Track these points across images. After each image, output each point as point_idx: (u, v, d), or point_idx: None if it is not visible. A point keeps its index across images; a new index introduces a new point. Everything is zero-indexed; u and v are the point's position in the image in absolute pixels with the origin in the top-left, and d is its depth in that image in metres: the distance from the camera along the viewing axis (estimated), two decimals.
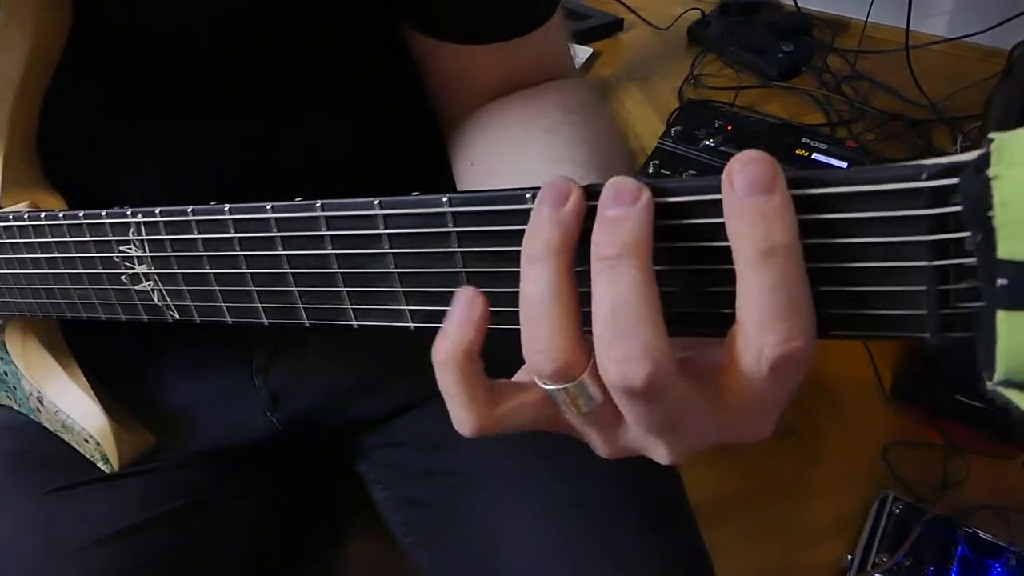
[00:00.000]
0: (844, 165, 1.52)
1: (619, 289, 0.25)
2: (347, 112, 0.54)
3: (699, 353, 0.29)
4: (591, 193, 0.27)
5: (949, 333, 0.23)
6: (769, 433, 0.29)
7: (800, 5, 1.91)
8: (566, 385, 0.27)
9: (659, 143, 1.62)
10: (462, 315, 0.28)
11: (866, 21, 1.76)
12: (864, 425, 1.20)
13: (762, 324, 0.24)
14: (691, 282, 0.27)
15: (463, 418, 0.29)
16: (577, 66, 1.87)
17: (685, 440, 0.29)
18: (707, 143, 1.58)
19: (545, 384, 0.28)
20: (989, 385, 0.21)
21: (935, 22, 1.77)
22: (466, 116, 0.51)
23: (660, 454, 0.29)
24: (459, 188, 0.49)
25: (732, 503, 1.12)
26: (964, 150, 0.21)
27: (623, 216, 0.25)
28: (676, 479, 0.60)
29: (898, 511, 1.06)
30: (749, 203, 0.23)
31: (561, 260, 0.26)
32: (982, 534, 1.02)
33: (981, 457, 1.12)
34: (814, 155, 1.54)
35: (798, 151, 1.55)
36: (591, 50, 1.93)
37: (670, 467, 0.60)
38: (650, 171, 1.57)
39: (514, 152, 0.46)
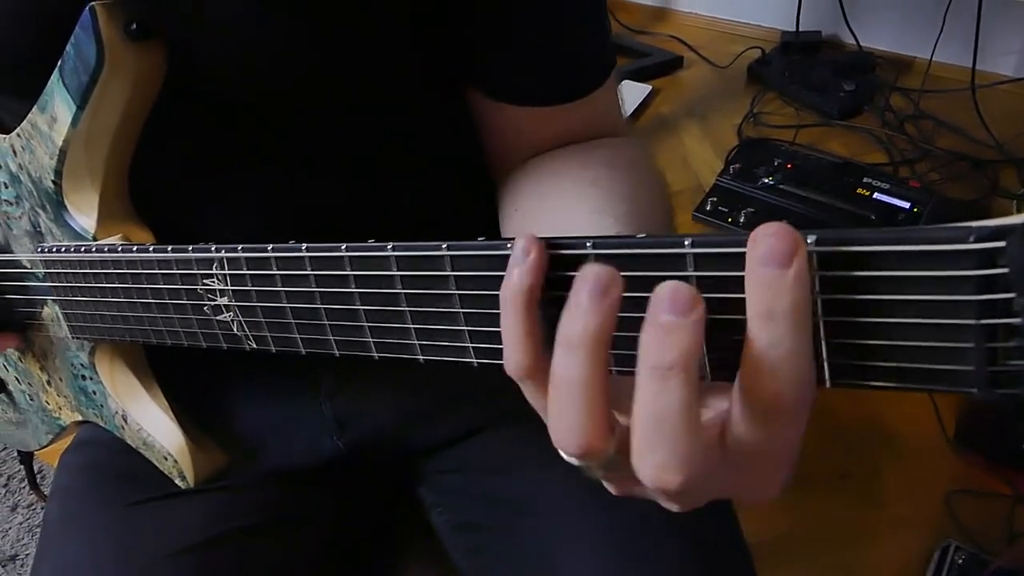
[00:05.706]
0: (906, 205, 1.49)
1: (665, 400, 0.25)
2: (415, 171, 0.56)
3: (710, 406, 0.30)
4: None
5: (997, 389, 0.23)
6: (776, 492, 0.30)
7: (862, 44, 1.89)
8: (588, 463, 0.28)
9: (717, 180, 1.62)
10: (518, 259, 0.29)
11: (931, 60, 1.74)
12: (926, 471, 1.17)
13: (756, 376, 0.25)
14: (708, 331, 0.27)
15: (509, 356, 0.29)
16: (636, 103, 1.89)
17: (698, 500, 0.30)
18: (766, 181, 1.58)
19: (567, 457, 0.28)
20: None
21: (1002, 61, 1.75)
22: (516, 166, 0.54)
23: (671, 506, 0.31)
24: (503, 234, 0.51)
25: (790, 546, 1.10)
26: None
27: (676, 326, 0.25)
28: (731, 513, 0.60)
29: (961, 561, 1.03)
30: (760, 272, 0.24)
31: (599, 349, 0.26)
32: None
33: None
34: (875, 195, 1.52)
35: (859, 190, 1.53)
36: (650, 87, 1.94)
37: (725, 501, 0.61)
38: (708, 208, 1.57)
39: (558, 201, 0.48)
